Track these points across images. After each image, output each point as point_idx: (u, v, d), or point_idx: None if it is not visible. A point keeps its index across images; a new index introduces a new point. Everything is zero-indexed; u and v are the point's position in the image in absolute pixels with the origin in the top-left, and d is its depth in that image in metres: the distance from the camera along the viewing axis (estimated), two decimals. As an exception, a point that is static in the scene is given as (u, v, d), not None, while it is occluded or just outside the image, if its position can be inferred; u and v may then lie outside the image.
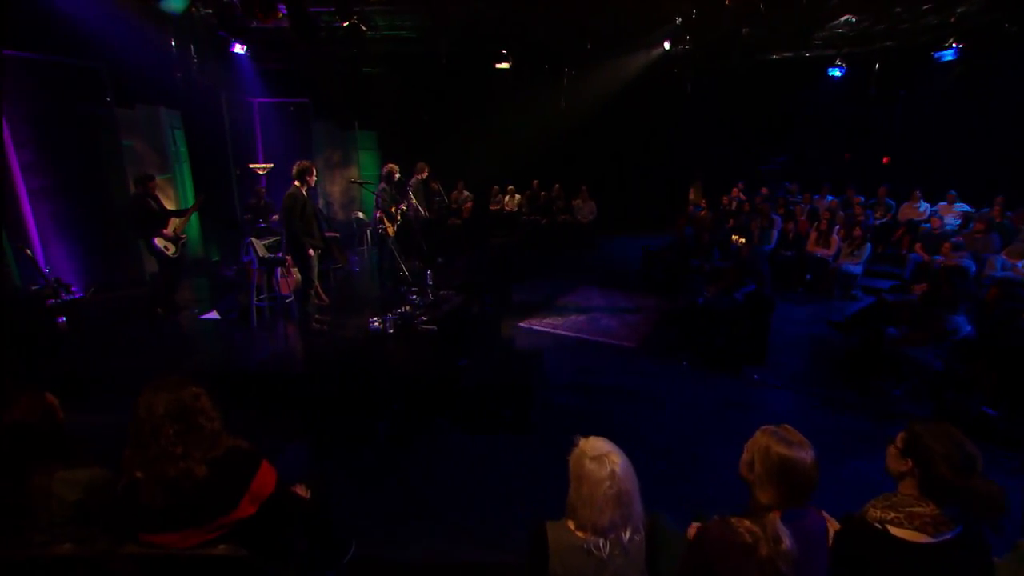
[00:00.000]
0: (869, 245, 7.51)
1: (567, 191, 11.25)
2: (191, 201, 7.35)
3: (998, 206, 7.90)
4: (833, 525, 1.71)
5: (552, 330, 6.21)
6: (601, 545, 1.60)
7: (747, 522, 1.50)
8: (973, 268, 6.26)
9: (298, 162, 5.47)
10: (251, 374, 4.74)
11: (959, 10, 8.08)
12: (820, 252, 7.76)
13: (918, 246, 7.64)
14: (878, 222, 8.95)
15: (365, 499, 3.26)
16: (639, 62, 10.73)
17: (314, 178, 5.52)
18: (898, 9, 8.34)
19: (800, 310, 6.94)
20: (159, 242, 5.89)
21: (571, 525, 1.65)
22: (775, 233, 8.46)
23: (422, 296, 5.86)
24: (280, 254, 6.03)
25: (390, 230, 6.73)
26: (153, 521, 1.61)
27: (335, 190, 11.06)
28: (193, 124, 8.43)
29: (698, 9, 8.10)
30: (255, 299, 5.84)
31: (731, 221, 9.49)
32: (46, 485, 1.72)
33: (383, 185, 6.77)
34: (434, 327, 5.12)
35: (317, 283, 5.93)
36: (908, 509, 1.54)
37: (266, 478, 1.74)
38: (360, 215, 10.11)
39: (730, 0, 7.69)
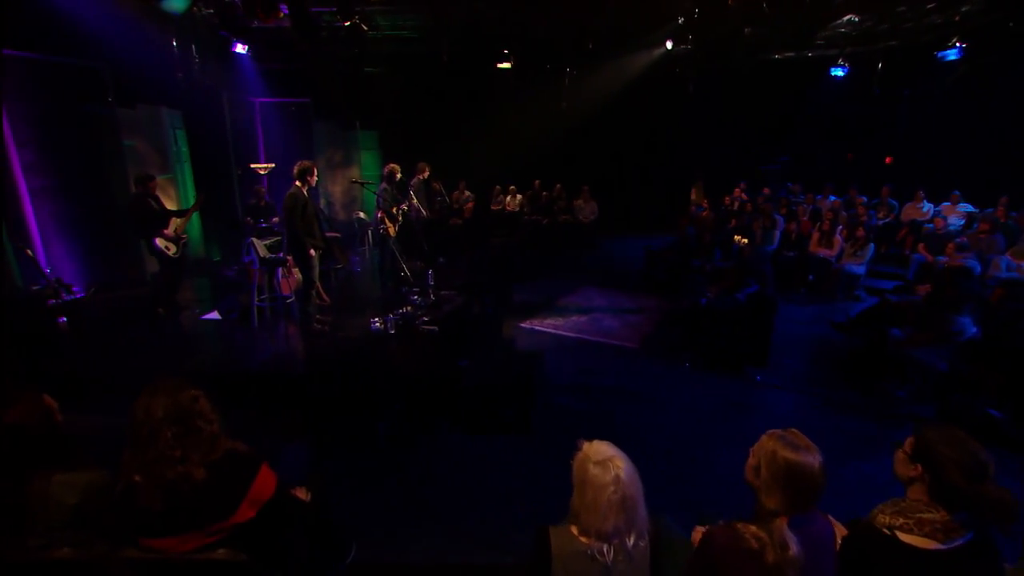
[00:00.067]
0: (872, 245, 7.46)
1: (569, 191, 11.22)
2: (192, 201, 7.35)
3: (1002, 206, 7.85)
4: (840, 531, 1.69)
5: (553, 330, 6.20)
6: (605, 551, 1.58)
7: (753, 528, 1.48)
8: (978, 269, 6.21)
9: (299, 162, 5.47)
10: (252, 374, 4.74)
11: (963, 9, 8.04)
12: (823, 252, 7.73)
13: (921, 246, 7.61)
14: (881, 222, 8.91)
15: (365, 499, 3.26)
16: (641, 62, 10.71)
17: (315, 178, 5.52)
18: (901, 8, 8.31)
19: (803, 311, 6.91)
20: (160, 242, 5.88)
21: (574, 530, 1.63)
22: (777, 233, 8.43)
23: (423, 296, 5.84)
24: (281, 254, 6.03)
25: (391, 230, 6.71)
26: (152, 525, 1.60)
27: (336, 190, 11.04)
28: (194, 124, 8.43)
29: (700, 8, 8.08)
30: (256, 299, 5.84)
31: (733, 221, 9.46)
32: (44, 488, 1.70)
33: (384, 185, 6.75)
34: (435, 327, 5.10)
35: (318, 283, 5.92)
36: (918, 515, 1.51)
37: (265, 482, 1.73)
38: (361, 215, 10.08)
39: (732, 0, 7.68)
